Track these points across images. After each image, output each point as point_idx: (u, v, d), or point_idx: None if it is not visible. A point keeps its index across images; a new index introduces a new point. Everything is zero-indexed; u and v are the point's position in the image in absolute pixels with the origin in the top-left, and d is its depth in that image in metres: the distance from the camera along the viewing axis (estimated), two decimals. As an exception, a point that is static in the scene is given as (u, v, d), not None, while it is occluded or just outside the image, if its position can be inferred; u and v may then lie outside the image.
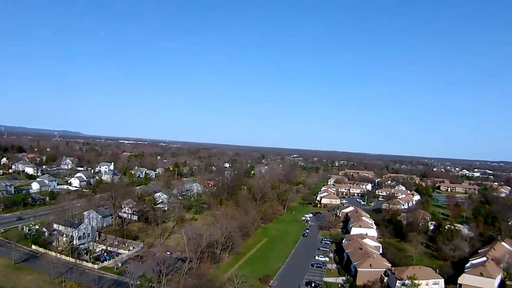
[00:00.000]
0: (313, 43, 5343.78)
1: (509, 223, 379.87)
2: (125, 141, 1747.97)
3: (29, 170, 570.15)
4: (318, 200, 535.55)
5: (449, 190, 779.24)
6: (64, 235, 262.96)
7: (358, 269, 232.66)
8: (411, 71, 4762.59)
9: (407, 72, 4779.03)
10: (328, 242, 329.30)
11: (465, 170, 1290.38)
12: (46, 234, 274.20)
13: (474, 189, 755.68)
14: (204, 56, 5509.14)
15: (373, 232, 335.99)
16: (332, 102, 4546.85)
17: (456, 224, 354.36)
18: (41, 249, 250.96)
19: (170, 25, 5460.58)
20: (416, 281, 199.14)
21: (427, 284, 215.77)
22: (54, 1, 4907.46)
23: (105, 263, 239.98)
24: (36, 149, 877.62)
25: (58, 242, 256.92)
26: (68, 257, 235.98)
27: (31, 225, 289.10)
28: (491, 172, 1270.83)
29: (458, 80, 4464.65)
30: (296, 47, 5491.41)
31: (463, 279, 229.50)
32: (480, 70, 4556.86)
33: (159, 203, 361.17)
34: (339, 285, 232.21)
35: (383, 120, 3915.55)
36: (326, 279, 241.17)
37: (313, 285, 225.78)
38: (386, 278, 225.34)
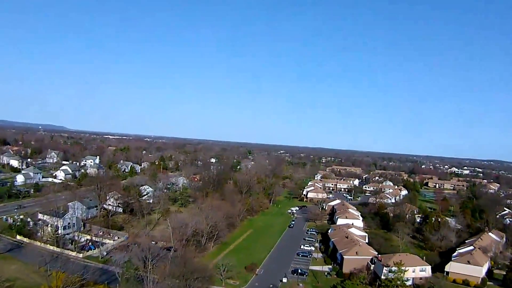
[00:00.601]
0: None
1: (497, 215, 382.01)
2: (110, 136, 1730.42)
3: (14, 163, 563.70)
4: (304, 194, 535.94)
5: (437, 187, 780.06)
6: (49, 225, 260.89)
7: (344, 256, 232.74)
8: (402, 70, 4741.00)
9: (400, 72, 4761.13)
10: (314, 233, 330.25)
11: (454, 168, 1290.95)
12: (31, 224, 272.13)
13: (463, 186, 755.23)
14: (191, 51, 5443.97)
15: (359, 223, 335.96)
16: (320, 99, 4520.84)
17: (443, 217, 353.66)
18: (25, 239, 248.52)
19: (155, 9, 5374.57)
20: (403, 268, 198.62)
21: (413, 271, 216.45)
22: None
23: (90, 252, 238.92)
24: (20, 142, 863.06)
25: (43, 232, 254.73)
26: (53, 247, 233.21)
27: (15, 216, 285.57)
28: (480, 170, 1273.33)
29: (448, 80, 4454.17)
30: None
31: (450, 267, 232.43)
32: (473, 68, 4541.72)
33: (144, 195, 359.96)
34: (325, 273, 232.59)
35: (372, 118, 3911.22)
36: (312, 268, 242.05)
37: (299, 272, 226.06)
38: (373, 265, 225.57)
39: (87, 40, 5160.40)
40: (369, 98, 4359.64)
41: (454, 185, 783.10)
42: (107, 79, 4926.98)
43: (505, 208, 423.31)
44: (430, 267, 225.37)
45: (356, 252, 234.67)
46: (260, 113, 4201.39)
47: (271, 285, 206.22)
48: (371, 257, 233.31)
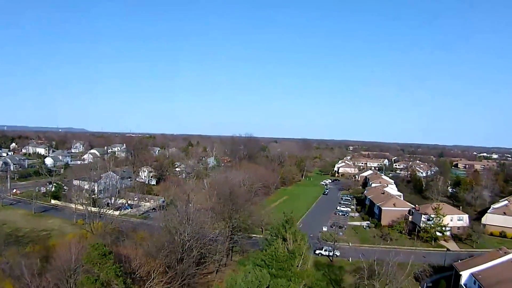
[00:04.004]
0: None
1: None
2: (133, 134, 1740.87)
3: (41, 151, 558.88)
4: (335, 170, 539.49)
5: (467, 168, 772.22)
6: (84, 190, 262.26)
7: (382, 208, 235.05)
8: (427, 59, 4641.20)
9: (424, 62, 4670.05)
10: (349, 198, 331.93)
11: (483, 154, 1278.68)
12: (66, 189, 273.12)
13: (493, 165, 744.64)
14: (212, 44, 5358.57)
15: (393, 187, 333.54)
16: (343, 90, 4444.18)
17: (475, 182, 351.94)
18: (60, 203, 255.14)
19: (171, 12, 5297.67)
20: (441, 214, 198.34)
21: (451, 220, 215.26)
22: None
23: (127, 211, 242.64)
24: (43, 139, 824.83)
25: (78, 195, 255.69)
26: (89, 207, 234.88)
27: (48, 187, 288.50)
28: (509, 155, 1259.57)
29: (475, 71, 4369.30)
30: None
31: (487, 219, 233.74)
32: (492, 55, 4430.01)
33: (177, 166, 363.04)
34: (364, 227, 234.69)
35: (396, 108, 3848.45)
36: (350, 223, 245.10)
37: (337, 225, 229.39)
38: (411, 216, 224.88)
39: (106, 42, 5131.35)
40: (392, 88, 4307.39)
41: (484, 165, 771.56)
42: (127, 79, 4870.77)
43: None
44: (467, 216, 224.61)
45: (394, 204, 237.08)
46: (285, 105, 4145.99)
47: (311, 234, 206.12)
48: (408, 208, 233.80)
